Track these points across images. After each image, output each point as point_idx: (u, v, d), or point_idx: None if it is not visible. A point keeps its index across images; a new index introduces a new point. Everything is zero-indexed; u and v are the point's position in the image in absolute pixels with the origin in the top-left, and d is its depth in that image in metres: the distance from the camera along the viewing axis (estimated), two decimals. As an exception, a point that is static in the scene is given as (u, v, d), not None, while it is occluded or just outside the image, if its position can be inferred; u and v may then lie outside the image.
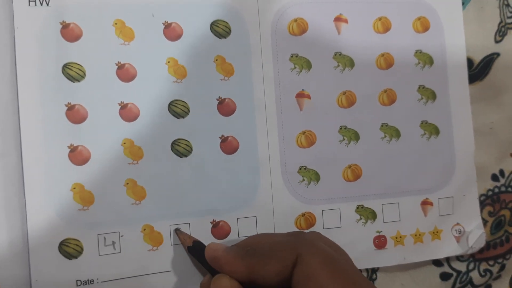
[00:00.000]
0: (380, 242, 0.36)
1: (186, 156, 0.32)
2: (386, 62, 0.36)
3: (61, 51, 0.30)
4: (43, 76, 0.30)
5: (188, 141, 0.32)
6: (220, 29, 0.33)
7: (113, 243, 0.31)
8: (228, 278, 0.26)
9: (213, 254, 0.28)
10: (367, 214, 0.36)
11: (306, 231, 0.34)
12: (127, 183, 0.31)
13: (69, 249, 0.30)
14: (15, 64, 0.30)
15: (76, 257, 0.30)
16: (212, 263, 0.28)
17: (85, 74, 0.31)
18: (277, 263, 0.25)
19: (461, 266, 0.39)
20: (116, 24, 0.31)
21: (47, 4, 0.30)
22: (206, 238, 0.32)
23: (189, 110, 0.32)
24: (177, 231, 0.32)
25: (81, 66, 0.31)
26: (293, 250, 0.25)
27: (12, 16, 0.29)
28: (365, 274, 0.36)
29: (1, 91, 0.30)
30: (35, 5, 0.30)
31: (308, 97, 0.35)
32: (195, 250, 0.30)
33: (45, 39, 0.30)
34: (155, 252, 0.31)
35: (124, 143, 0.31)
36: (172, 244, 0.32)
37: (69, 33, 0.30)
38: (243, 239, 0.30)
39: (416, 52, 0.37)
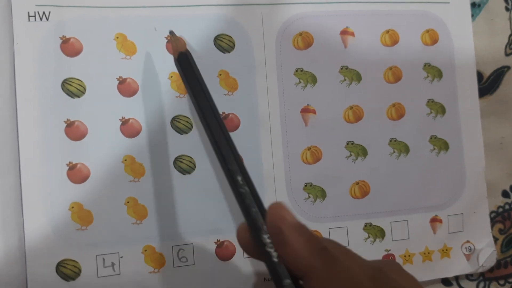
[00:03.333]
0: (388, 261, 0.35)
1: (189, 173, 0.31)
2: (394, 75, 0.35)
3: (61, 67, 0.30)
4: (42, 93, 0.29)
5: (191, 158, 0.32)
6: (224, 44, 0.32)
7: (113, 264, 0.30)
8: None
9: (279, 223, 0.21)
10: (376, 232, 0.35)
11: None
12: (128, 202, 0.30)
13: (67, 271, 0.29)
14: (14, 80, 0.29)
15: (73, 279, 0.29)
16: (273, 233, 0.22)
17: (85, 90, 0.30)
18: None
19: (471, 286, 0.38)
20: (117, 38, 0.31)
21: (47, 19, 0.29)
22: (211, 259, 0.31)
23: (192, 126, 0.32)
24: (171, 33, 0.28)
25: (81, 81, 0.30)
26: None
27: (11, 31, 0.29)
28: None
29: (0, 107, 0.29)
30: (35, 20, 0.29)
31: (314, 112, 0.34)
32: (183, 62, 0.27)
33: (44, 54, 0.29)
34: (157, 274, 0.30)
35: (125, 160, 0.30)
36: (174, 266, 0.31)
37: (69, 48, 0.30)
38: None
39: (424, 65, 0.36)
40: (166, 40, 0.31)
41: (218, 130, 0.25)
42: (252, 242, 0.23)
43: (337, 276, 0.20)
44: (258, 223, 0.22)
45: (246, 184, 0.23)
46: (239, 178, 0.23)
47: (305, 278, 0.21)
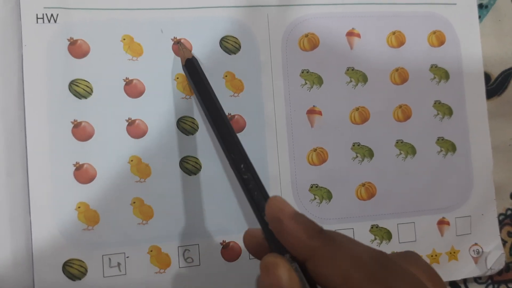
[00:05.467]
0: (395, 263, 0.34)
1: (195, 174, 0.31)
2: (401, 77, 0.35)
3: (69, 68, 0.30)
4: (50, 94, 0.30)
5: (197, 159, 0.32)
6: (229, 45, 0.32)
7: (119, 264, 0.30)
8: (288, 268, 0.21)
9: (277, 215, 0.22)
10: (382, 234, 0.34)
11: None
12: (134, 202, 0.30)
13: (73, 270, 0.29)
14: (23, 81, 0.29)
15: (80, 279, 0.29)
16: (273, 224, 0.22)
17: (92, 91, 0.30)
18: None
19: (480, 289, 0.37)
20: (124, 39, 0.31)
21: (55, 21, 0.30)
22: (216, 260, 0.31)
23: (198, 127, 0.32)
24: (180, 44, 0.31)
25: (88, 82, 0.30)
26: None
27: (20, 33, 0.29)
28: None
29: (9, 108, 0.29)
30: (43, 22, 0.30)
31: (320, 113, 0.34)
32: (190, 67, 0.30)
33: (52, 56, 0.30)
34: (162, 274, 0.30)
35: (131, 161, 0.31)
36: (180, 266, 0.31)
37: (77, 49, 0.30)
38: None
39: (431, 67, 0.36)
40: (172, 42, 0.32)
41: (223, 126, 0.27)
42: (258, 241, 0.24)
43: (338, 254, 0.20)
44: (260, 205, 0.24)
45: (249, 171, 0.25)
46: (242, 166, 0.25)
47: (309, 261, 0.21)
